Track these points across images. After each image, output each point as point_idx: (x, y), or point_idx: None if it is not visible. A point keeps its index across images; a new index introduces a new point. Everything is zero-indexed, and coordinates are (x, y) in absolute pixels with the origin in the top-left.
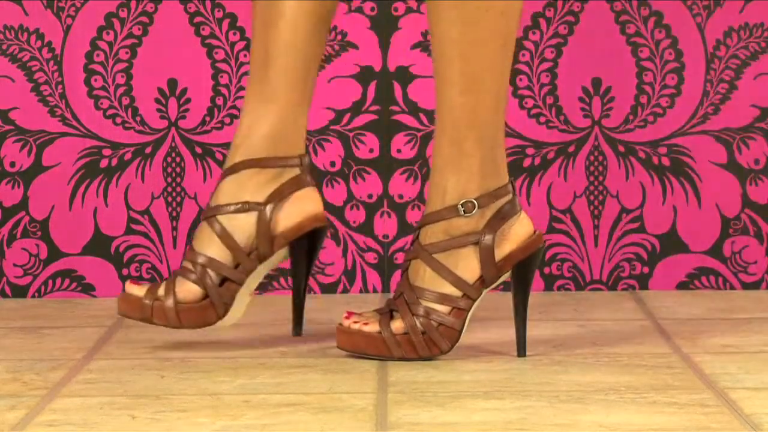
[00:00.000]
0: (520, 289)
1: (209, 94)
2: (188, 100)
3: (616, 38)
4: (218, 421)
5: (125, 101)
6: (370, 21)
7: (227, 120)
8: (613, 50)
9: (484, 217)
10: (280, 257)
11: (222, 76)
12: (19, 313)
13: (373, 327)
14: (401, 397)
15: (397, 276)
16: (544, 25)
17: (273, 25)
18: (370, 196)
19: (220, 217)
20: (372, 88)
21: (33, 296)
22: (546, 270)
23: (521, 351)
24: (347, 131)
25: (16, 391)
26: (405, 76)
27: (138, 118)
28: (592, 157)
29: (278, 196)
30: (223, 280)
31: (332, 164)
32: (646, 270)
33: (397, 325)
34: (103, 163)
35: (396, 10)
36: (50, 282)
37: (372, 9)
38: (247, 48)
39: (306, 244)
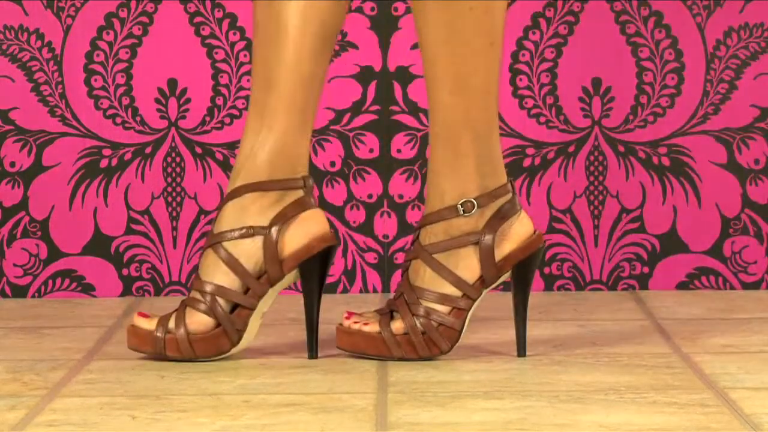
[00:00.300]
0: (520, 289)
1: (209, 94)
2: (188, 100)
3: (616, 38)
4: (218, 421)
5: (125, 101)
6: (370, 21)
7: (227, 120)
8: (613, 50)
9: (483, 217)
10: (290, 279)
11: (222, 76)
12: (19, 313)
13: (373, 327)
14: (401, 397)
15: (397, 276)
16: (544, 25)
17: (275, 44)
18: (370, 196)
19: (225, 244)
20: (372, 88)
21: (33, 296)
22: (546, 270)
23: (521, 351)
24: (347, 131)
25: (16, 391)
26: (405, 76)
27: (138, 118)
28: (592, 157)
29: (282, 219)
30: (234, 307)
31: (332, 164)
32: (646, 270)
33: (398, 325)
34: (103, 163)
35: (396, 10)
36: (50, 282)
37: (372, 9)
38: (247, 48)
39: (318, 266)
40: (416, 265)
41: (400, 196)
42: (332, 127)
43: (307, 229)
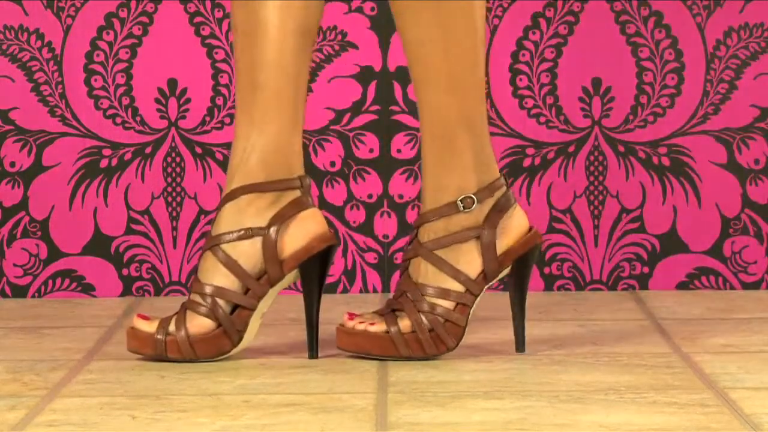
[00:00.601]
0: (519, 285)
1: (209, 94)
2: (188, 100)
3: (616, 38)
4: (218, 421)
5: (125, 101)
6: (370, 21)
7: (227, 120)
8: (613, 50)
9: (482, 212)
10: (290, 279)
11: (222, 76)
12: (19, 313)
13: (379, 326)
14: (401, 397)
15: (397, 276)
16: (544, 25)
17: (256, 45)
18: (370, 196)
19: (223, 246)
20: (372, 88)
21: (33, 296)
22: (546, 270)
23: (520, 347)
24: (347, 131)
25: (16, 391)
26: (405, 76)
27: (138, 118)
28: (592, 157)
29: (280, 219)
30: (234, 308)
31: (332, 164)
32: (646, 270)
33: (405, 323)
34: (103, 163)
35: None
36: (50, 282)
37: (372, 9)
38: None
39: (317, 266)
40: (417, 262)
41: (400, 196)
42: (332, 127)
43: (306, 228)
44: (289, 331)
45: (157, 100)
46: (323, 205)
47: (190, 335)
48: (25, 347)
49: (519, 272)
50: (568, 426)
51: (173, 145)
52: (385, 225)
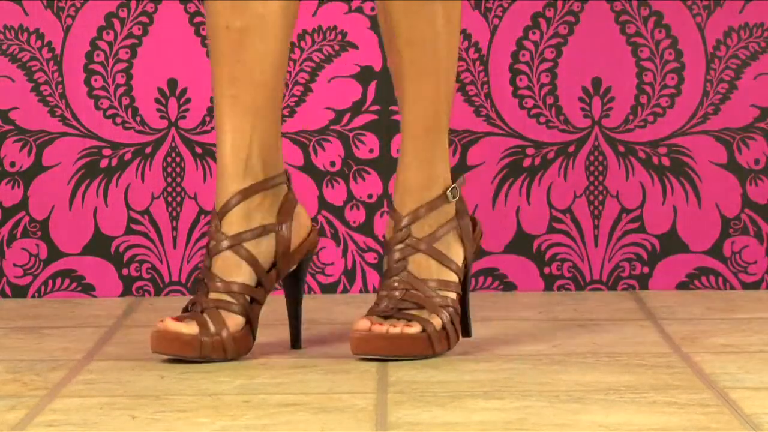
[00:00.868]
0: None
1: (209, 94)
2: (188, 100)
3: (616, 38)
4: (218, 421)
5: (125, 101)
6: (370, 21)
7: None
8: (613, 50)
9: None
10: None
11: None
12: (19, 313)
13: (415, 327)
14: (401, 397)
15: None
16: (544, 25)
17: (259, 42)
18: (370, 196)
19: (246, 245)
20: (372, 88)
21: (33, 296)
22: (546, 270)
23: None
24: (347, 131)
25: (16, 391)
26: None
27: (138, 118)
28: (592, 157)
29: (287, 216)
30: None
31: (332, 164)
32: (646, 270)
33: (436, 320)
34: (103, 163)
35: None
36: (50, 282)
37: (372, 9)
38: None
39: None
40: (418, 258)
41: None
42: (332, 127)
43: (301, 223)
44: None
45: (157, 100)
46: (323, 205)
47: (232, 334)
48: (25, 347)
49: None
50: (568, 426)
51: (173, 145)
52: (385, 225)
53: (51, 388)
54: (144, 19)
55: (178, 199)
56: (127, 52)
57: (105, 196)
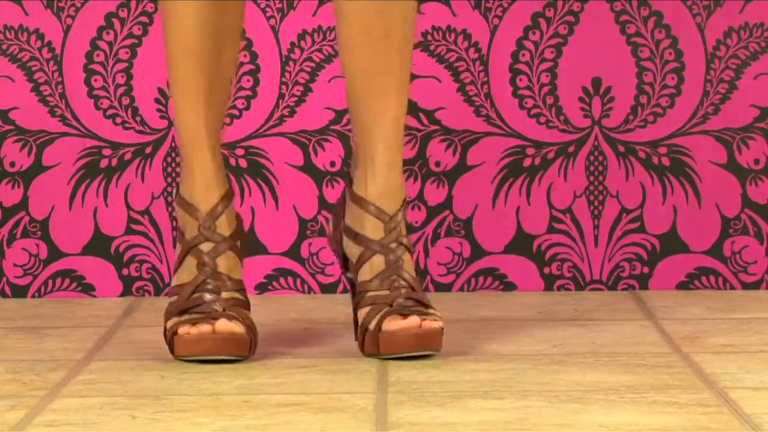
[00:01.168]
0: None
1: None
2: None
3: (616, 38)
4: (218, 421)
5: (125, 101)
6: None
7: (227, 120)
8: (613, 50)
9: None
10: None
11: None
12: (19, 313)
13: (439, 322)
14: (401, 397)
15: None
16: (544, 25)
17: (231, 45)
18: None
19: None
20: None
21: (33, 296)
22: (546, 270)
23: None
24: (347, 131)
25: (16, 391)
26: None
27: (138, 118)
28: (592, 157)
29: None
30: None
31: (332, 164)
32: (646, 270)
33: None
34: (103, 163)
35: None
36: (50, 282)
37: None
38: (247, 48)
39: None
40: (407, 256)
41: None
42: (332, 127)
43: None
44: (290, 332)
45: (157, 100)
46: (323, 205)
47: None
48: (25, 347)
49: None
50: (568, 426)
51: (173, 145)
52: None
53: (51, 388)
54: (144, 19)
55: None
56: (127, 52)
57: (105, 196)
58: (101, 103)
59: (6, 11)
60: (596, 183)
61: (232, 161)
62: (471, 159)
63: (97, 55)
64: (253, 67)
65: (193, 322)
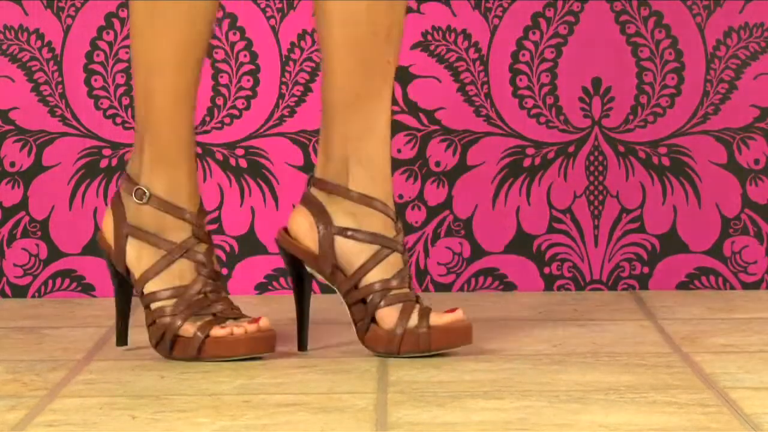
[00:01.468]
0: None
1: (209, 94)
2: None
3: (616, 38)
4: (218, 421)
5: (125, 101)
6: None
7: (227, 120)
8: (613, 50)
9: None
10: None
11: (222, 76)
12: (19, 313)
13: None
14: (401, 397)
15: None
16: (544, 25)
17: (201, 45)
18: None
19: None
20: None
21: (33, 296)
22: (546, 270)
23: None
24: None
25: (16, 391)
26: (405, 76)
27: None
28: (592, 157)
29: None
30: None
31: None
32: (646, 270)
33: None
34: (103, 163)
35: None
36: (50, 282)
37: None
38: (247, 48)
39: None
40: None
41: (400, 196)
42: None
43: None
44: (290, 331)
45: None
46: None
47: None
48: (25, 347)
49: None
50: (568, 426)
51: None
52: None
53: (51, 388)
54: None
55: None
56: (127, 52)
57: (105, 196)
58: (101, 103)
59: (6, 11)
60: (596, 183)
61: (232, 161)
62: (471, 159)
63: (97, 55)
64: (253, 67)
65: (219, 324)
